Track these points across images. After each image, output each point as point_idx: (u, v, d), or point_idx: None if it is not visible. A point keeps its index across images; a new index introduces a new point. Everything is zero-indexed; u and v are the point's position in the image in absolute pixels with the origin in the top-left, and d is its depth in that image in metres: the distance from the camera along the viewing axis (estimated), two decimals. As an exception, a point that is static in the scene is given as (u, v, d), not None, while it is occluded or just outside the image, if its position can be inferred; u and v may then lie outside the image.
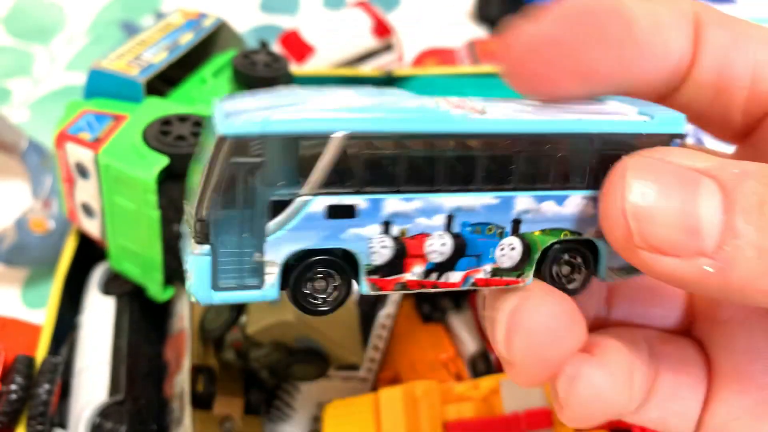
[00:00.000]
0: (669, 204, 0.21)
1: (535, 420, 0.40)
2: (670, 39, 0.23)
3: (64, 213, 0.48)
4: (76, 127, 0.44)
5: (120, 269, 0.46)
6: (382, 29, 0.78)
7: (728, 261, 0.20)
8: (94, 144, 0.43)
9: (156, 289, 0.45)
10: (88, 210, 0.46)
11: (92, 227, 0.47)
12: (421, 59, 0.85)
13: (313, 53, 0.76)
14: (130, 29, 0.87)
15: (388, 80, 0.61)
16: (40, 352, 0.46)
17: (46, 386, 0.44)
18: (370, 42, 0.78)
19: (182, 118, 0.43)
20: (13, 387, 0.43)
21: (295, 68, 0.75)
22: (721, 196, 0.20)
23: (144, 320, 0.49)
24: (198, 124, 0.43)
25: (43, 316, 0.49)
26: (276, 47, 0.78)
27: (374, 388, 0.52)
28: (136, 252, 0.44)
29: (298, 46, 0.77)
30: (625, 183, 0.22)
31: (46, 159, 0.74)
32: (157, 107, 0.45)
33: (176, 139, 0.42)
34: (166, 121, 0.43)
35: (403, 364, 0.55)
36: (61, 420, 0.45)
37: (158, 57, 0.48)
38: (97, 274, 0.51)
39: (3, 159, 0.79)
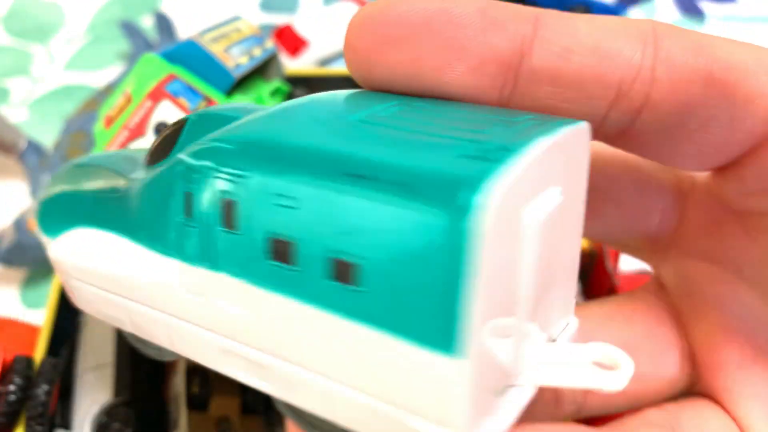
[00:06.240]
0: None
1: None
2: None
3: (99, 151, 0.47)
4: (172, 89, 0.44)
5: None
6: None
7: None
8: None
9: None
10: None
11: None
12: None
13: (306, 47, 0.77)
14: (130, 29, 0.87)
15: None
16: (39, 353, 0.46)
17: (45, 387, 0.44)
18: None
19: None
20: (12, 388, 0.43)
21: (293, 66, 0.75)
22: None
23: (143, 321, 0.50)
24: None
25: (42, 317, 0.49)
26: (271, 42, 0.79)
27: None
28: None
29: (291, 40, 0.78)
30: None
31: (45, 159, 0.74)
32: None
33: None
34: None
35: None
36: (63, 421, 0.45)
37: (242, 59, 0.47)
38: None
39: (1, 159, 0.79)
